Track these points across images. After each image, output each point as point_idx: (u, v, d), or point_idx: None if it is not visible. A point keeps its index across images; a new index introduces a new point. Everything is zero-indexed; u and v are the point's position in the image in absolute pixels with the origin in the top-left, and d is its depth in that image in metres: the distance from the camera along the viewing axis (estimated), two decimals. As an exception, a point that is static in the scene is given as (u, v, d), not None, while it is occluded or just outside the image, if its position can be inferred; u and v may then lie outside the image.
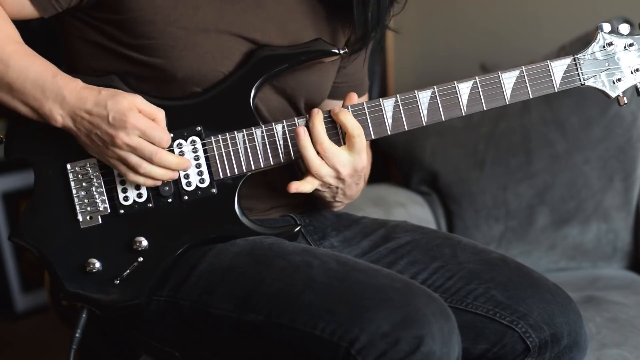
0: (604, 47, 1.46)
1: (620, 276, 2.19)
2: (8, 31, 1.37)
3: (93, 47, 1.43)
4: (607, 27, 1.46)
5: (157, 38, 1.39)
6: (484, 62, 2.54)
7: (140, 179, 1.38)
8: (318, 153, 1.41)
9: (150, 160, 1.36)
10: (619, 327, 1.79)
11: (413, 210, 2.32)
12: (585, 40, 2.25)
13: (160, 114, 1.37)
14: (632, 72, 1.46)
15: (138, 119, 1.34)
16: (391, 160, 2.58)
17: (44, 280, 2.80)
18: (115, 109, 1.33)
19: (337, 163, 1.42)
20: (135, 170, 1.37)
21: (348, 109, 1.43)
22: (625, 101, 1.46)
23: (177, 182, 1.42)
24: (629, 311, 1.86)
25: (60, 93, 1.34)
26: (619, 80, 1.46)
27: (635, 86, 1.47)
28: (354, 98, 1.46)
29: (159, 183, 1.40)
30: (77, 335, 1.44)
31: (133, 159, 1.36)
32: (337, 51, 1.46)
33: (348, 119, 1.41)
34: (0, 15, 1.37)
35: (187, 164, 1.40)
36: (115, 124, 1.33)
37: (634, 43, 1.46)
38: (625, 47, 1.46)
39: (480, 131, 2.36)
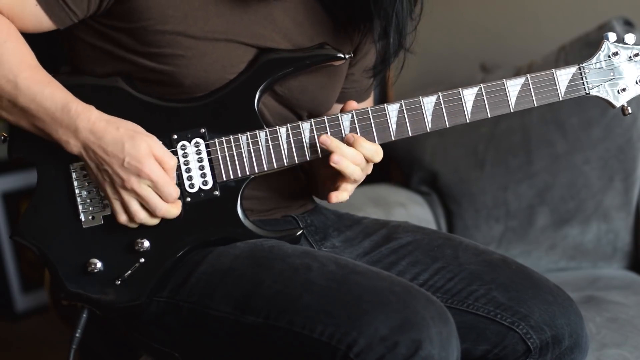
0: (609, 56, 1.45)
1: (620, 276, 2.19)
2: (23, 54, 1.36)
3: (100, 53, 1.42)
4: (612, 36, 1.46)
5: (167, 47, 1.38)
6: (484, 62, 2.54)
7: (131, 225, 1.39)
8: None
9: (152, 213, 1.37)
10: (619, 327, 1.79)
11: (413, 210, 2.32)
12: (586, 41, 2.26)
13: (172, 161, 1.37)
14: (637, 83, 1.46)
15: (152, 168, 1.34)
16: (391, 160, 2.58)
17: (44, 280, 2.80)
18: (132, 154, 1.33)
19: (368, 169, 1.45)
20: (130, 217, 1.38)
21: (353, 114, 1.43)
22: (630, 111, 1.46)
23: (180, 184, 1.41)
24: (629, 311, 1.86)
25: (72, 124, 1.34)
26: (624, 90, 1.46)
27: None
28: (353, 105, 1.46)
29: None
30: (77, 335, 1.44)
31: (134, 206, 1.36)
32: (342, 56, 1.45)
33: (366, 147, 1.41)
34: (14, 36, 1.36)
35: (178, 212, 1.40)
36: (130, 169, 1.34)
37: (638, 53, 1.45)
38: (630, 57, 1.45)
39: (480, 131, 2.36)
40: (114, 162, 1.34)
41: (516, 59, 2.45)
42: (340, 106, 1.60)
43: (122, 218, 1.38)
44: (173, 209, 1.38)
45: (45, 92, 1.34)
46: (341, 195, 1.43)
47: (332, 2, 1.50)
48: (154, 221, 1.39)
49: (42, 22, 1.37)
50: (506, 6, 2.67)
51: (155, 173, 1.34)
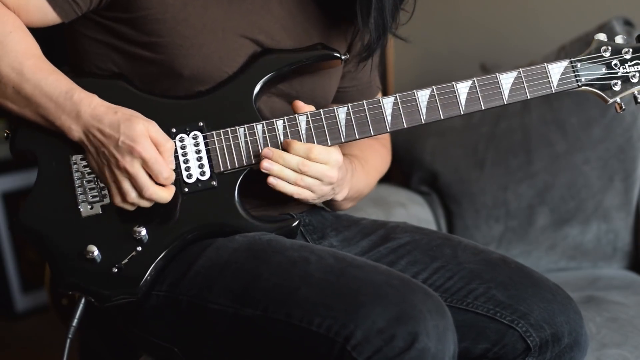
0: (600, 54, 1.48)
1: (620, 276, 2.19)
2: (28, 44, 1.39)
3: (100, 46, 1.44)
4: (603, 36, 1.50)
5: (166, 36, 1.41)
6: (484, 62, 2.54)
7: (126, 206, 1.40)
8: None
9: (139, 192, 1.38)
10: (619, 327, 1.79)
11: (413, 210, 2.32)
12: (586, 41, 2.25)
13: (168, 144, 1.39)
14: (626, 80, 1.49)
15: (145, 147, 1.36)
16: (391, 160, 2.58)
17: (44, 280, 2.80)
18: (126, 134, 1.35)
19: (322, 176, 1.44)
20: (123, 197, 1.39)
21: (348, 107, 1.44)
22: (623, 107, 1.49)
23: (178, 174, 1.43)
24: (629, 311, 1.86)
25: (74, 109, 1.37)
26: (615, 85, 1.48)
27: (632, 94, 1.50)
28: (301, 106, 1.46)
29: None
30: (73, 325, 1.43)
31: (126, 185, 1.38)
32: (339, 55, 1.47)
33: (296, 148, 1.42)
34: (19, 28, 1.38)
35: (170, 197, 1.41)
36: (123, 147, 1.35)
37: (630, 51, 1.49)
38: (621, 55, 1.48)
39: (480, 131, 2.36)
40: (110, 143, 1.36)
41: (516, 59, 2.45)
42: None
43: (117, 199, 1.40)
44: (162, 192, 1.39)
45: (50, 79, 1.37)
46: (285, 186, 1.42)
47: None
48: (146, 203, 1.40)
49: (47, 14, 1.40)
50: (506, 6, 2.68)
51: (147, 151, 1.36)
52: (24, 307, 3.49)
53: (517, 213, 2.30)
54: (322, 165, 1.43)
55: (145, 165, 1.37)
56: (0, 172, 3.47)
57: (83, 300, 1.43)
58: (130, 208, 1.41)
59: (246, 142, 1.44)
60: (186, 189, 1.43)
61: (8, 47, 1.36)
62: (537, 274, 1.47)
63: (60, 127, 1.38)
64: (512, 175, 2.31)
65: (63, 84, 1.37)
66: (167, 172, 1.38)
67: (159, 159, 1.37)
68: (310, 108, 1.46)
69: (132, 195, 1.38)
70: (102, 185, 1.42)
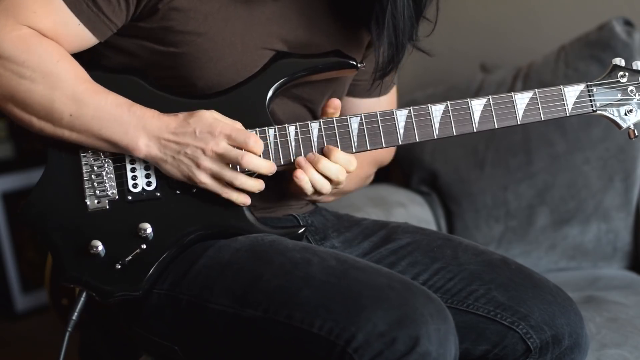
0: (617, 79, 1.47)
1: (620, 276, 2.19)
2: (77, 70, 1.39)
3: (117, 52, 1.44)
4: (620, 61, 1.47)
5: (184, 47, 1.41)
6: (484, 62, 2.54)
7: (233, 195, 1.40)
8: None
9: (238, 163, 1.37)
10: (619, 327, 1.79)
11: (413, 210, 2.32)
12: (586, 41, 2.26)
13: (237, 124, 1.40)
14: None
15: (223, 125, 1.37)
16: (391, 160, 2.58)
17: (44, 280, 2.81)
18: (199, 123, 1.37)
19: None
20: (231, 183, 1.39)
21: (362, 117, 1.44)
22: (637, 134, 1.47)
23: None
24: (629, 311, 1.86)
25: (140, 123, 1.37)
26: (630, 112, 1.47)
27: None
28: (336, 104, 1.48)
29: (247, 201, 1.41)
30: (73, 318, 1.42)
31: (226, 172, 1.38)
32: (354, 64, 1.46)
33: (340, 157, 1.42)
34: (64, 55, 1.39)
35: (273, 167, 1.41)
36: (203, 136, 1.37)
37: None
38: (638, 81, 1.47)
39: (480, 131, 2.36)
40: (188, 138, 1.37)
41: (516, 59, 2.46)
42: (357, 101, 1.63)
43: (228, 193, 1.40)
44: (259, 160, 1.39)
45: (109, 99, 1.38)
46: (305, 183, 1.43)
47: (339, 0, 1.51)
48: (254, 183, 1.40)
49: (85, 39, 1.40)
50: (506, 6, 2.68)
51: (227, 126, 1.37)
52: (24, 307, 3.50)
53: (517, 213, 2.30)
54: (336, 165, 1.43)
55: (229, 139, 1.37)
56: (0, 172, 3.48)
57: (84, 295, 1.43)
58: (238, 198, 1.40)
59: None
60: (194, 190, 1.42)
61: (60, 76, 1.36)
62: (537, 276, 1.47)
63: (126, 146, 1.38)
64: (512, 175, 2.31)
65: (123, 101, 1.38)
66: (252, 138, 1.38)
67: (240, 129, 1.38)
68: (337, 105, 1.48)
69: (237, 177, 1.38)
70: (108, 180, 1.42)
